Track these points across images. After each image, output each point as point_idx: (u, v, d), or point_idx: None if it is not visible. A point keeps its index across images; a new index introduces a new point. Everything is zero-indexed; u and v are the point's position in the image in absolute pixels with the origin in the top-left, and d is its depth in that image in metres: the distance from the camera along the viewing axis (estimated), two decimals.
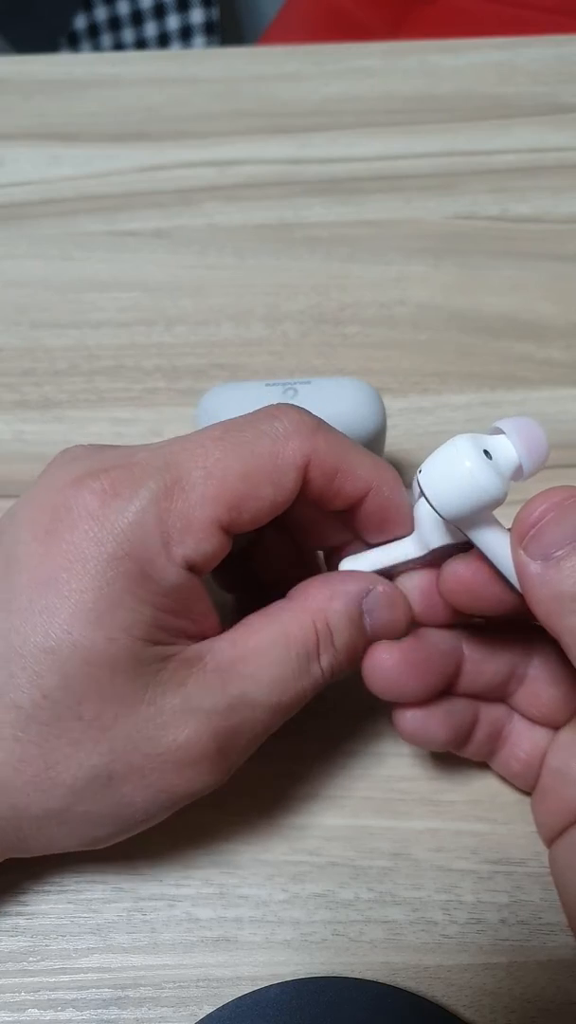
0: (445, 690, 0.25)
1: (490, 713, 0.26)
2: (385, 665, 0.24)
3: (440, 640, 0.25)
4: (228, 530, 0.22)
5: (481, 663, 0.25)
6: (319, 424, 0.23)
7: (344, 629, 0.23)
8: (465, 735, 0.26)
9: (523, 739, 0.26)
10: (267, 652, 0.23)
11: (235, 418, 0.23)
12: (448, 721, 0.25)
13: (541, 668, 0.26)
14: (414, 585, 0.25)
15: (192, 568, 0.22)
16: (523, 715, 0.26)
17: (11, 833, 0.23)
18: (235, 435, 0.23)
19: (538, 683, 0.26)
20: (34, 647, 0.21)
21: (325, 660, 0.23)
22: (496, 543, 0.22)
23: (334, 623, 0.23)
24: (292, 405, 0.24)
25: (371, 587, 0.24)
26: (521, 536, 0.21)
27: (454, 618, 0.25)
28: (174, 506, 0.22)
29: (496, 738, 0.27)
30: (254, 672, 0.22)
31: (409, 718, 0.25)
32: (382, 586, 0.24)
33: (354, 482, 0.23)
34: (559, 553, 0.21)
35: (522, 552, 0.21)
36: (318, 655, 0.23)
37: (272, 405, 0.24)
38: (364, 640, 0.24)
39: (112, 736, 0.22)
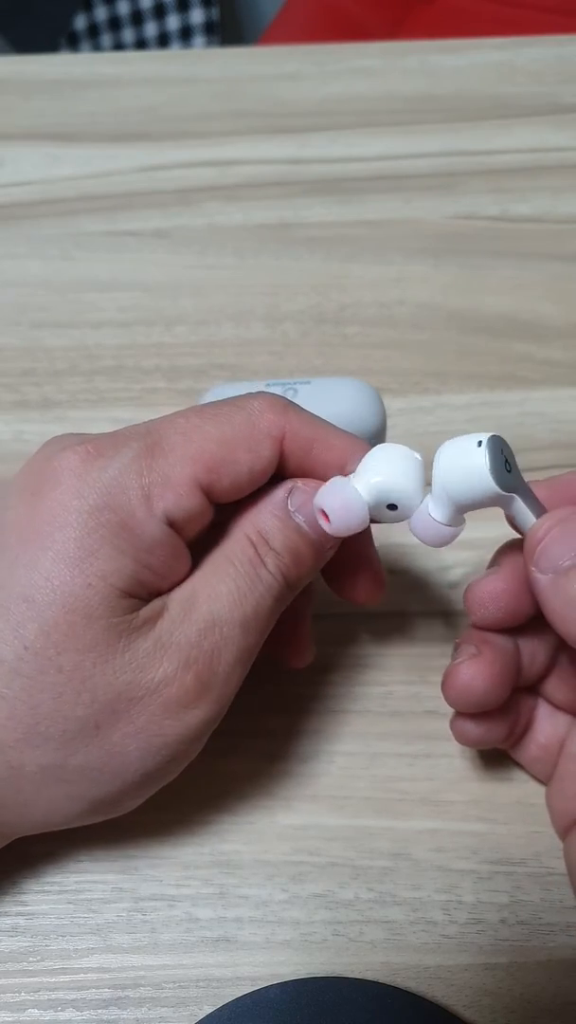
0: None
1: (524, 703, 0.27)
2: (475, 683, 0.25)
3: (507, 642, 0.26)
4: (209, 493, 0.23)
5: (532, 654, 0.26)
6: (290, 404, 0.24)
7: (276, 531, 0.24)
8: (514, 728, 0.27)
9: (544, 725, 0.27)
10: (217, 572, 0.23)
11: (213, 401, 0.24)
12: (508, 720, 0.26)
13: (569, 655, 0.26)
14: (487, 590, 0.25)
15: (173, 525, 0.23)
16: (548, 701, 0.27)
17: (12, 796, 0.23)
18: (213, 409, 0.24)
19: (566, 670, 0.26)
20: (16, 597, 0.22)
21: (270, 562, 0.24)
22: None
23: (264, 527, 0.24)
24: (265, 392, 0.25)
25: (291, 486, 0.25)
26: (531, 554, 0.23)
27: (523, 619, 0.25)
28: (155, 463, 0.23)
29: (528, 727, 0.27)
30: (211, 593, 0.23)
31: (473, 727, 0.26)
32: (302, 482, 0.25)
33: (331, 451, 0.24)
34: (566, 563, 0.22)
35: (533, 569, 0.22)
36: (261, 561, 0.24)
37: (247, 394, 0.25)
38: (303, 538, 0.24)
39: (92, 686, 0.22)
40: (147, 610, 0.23)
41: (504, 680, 0.25)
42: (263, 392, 0.25)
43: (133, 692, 0.22)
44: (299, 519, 0.24)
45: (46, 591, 0.22)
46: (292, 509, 0.24)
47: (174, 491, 0.22)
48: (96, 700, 0.22)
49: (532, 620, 0.26)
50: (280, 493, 0.24)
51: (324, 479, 0.25)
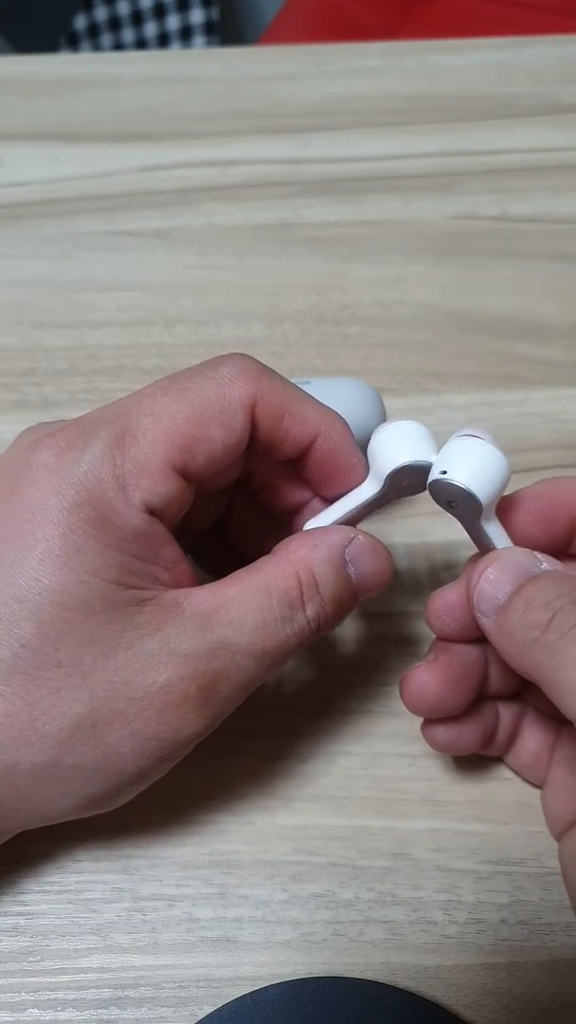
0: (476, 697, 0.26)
1: (508, 710, 0.27)
2: (428, 687, 0.25)
3: (468, 651, 0.26)
4: (184, 473, 0.23)
5: (503, 664, 0.26)
6: (264, 368, 0.24)
7: (330, 578, 0.23)
8: (491, 736, 0.27)
9: (534, 731, 0.27)
10: (249, 599, 0.23)
11: (184, 370, 0.24)
12: (478, 726, 0.26)
13: None
14: (442, 603, 0.25)
15: (153, 512, 0.22)
16: (535, 708, 0.27)
17: (6, 793, 0.23)
18: (182, 383, 0.23)
19: None
20: (7, 598, 0.22)
21: (311, 609, 0.23)
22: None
23: (319, 572, 0.23)
24: (238, 353, 0.24)
25: (352, 536, 0.24)
26: (472, 601, 0.23)
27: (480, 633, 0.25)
28: (127, 452, 0.22)
29: (514, 734, 0.27)
30: (234, 618, 0.22)
31: (442, 731, 0.26)
32: (363, 535, 0.24)
33: (302, 425, 0.24)
34: (502, 601, 0.22)
35: (478, 615, 0.23)
36: (303, 604, 0.23)
37: (219, 355, 0.24)
38: (350, 591, 0.24)
39: (92, 682, 0.22)
40: (154, 607, 0.22)
41: (461, 687, 0.25)
42: (236, 354, 0.24)
43: (132, 692, 0.22)
44: (351, 570, 0.24)
45: (37, 591, 0.22)
46: (350, 559, 0.24)
47: (149, 478, 0.22)
48: (95, 696, 0.22)
49: None
50: (339, 539, 0.24)
51: (292, 454, 0.24)
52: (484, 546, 0.24)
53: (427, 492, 0.24)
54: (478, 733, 0.26)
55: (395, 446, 0.24)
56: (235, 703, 0.23)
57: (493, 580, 0.23)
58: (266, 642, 0.23)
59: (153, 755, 0.23)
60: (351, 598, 0.24)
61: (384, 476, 0.24)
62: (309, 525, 0.25)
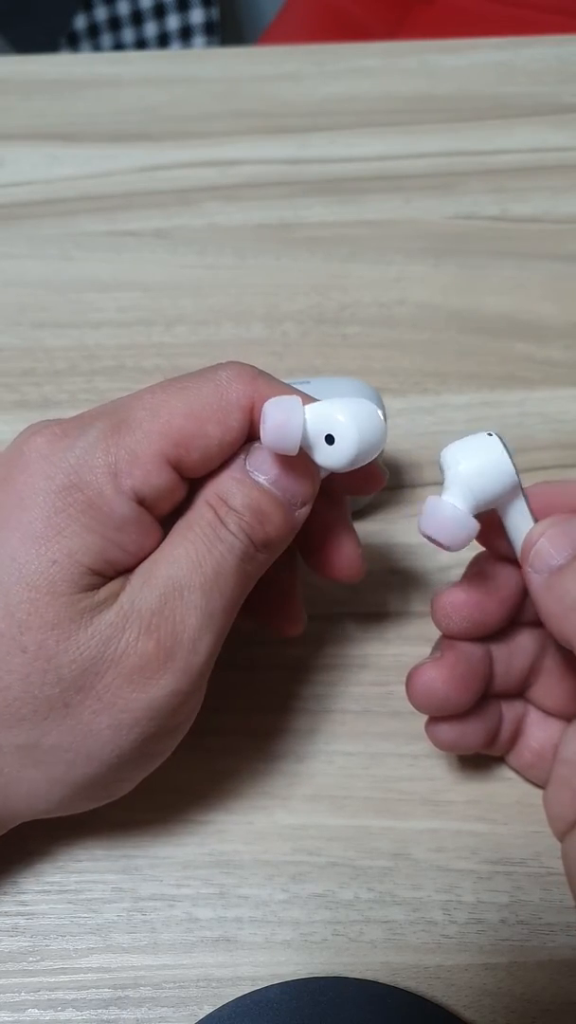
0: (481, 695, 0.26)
1: (511, 709, 0.27)
2: (434, 685, 0.25)
3: (474, 649, 0.26)
4: (178, 468, 0.23)
5: (508, 662, 0.26)
6: (261, 372, 0.24)
7: (235, 491, 0.23)
8: (495, 735, 0.27)
9: (536, 730, 0.27)
10: (178, 541, 0.23)
11: (182, 374, 0.24)
12: (483, 725, 0.26)
13: (555, 660, 0.26)
14: (450, 601, 0.25)
15: (143, 502, 0.23)
16: (538, 707, 0.27)
17: None
18: (181, 382, 0.24)
19: (553, 676, 0.26)
20: None
21: (231, 522, 0.23)
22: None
23: (222, 490, 0.23)
24: (235, 361, 0.24)
25: (248, 447, 0.24)
26: (526, 555, 0.23)
27: (490, 630, 0.26)
28: (121, 441, 0.22)
29: (517, 733, 0.27)
30: (170, 560, 0.23)
31: (447, 730, 0.26)
32: (256, 444, 0.24)
33: None
34: (558, 562, 0.23)
35: (529, 569, 0.23)
36: (221, 522, 0.23)
37: (217, 363, 0.24)
38: (264, 494, 0.24)
39: (58, 664, 0.22)
40: (111, 585, 0.23)
41: (467, 685, 0.25)
42: (232, 361, 0.24)
43: (98, 667, 0.22)
44: (259, 477, 0.24)
45: (10, 571, 0.22)
46: (250, 469, 0.24)
47: (142, 468, 0.22)
48: (62, 679, 0.22)
49: (506, 629, 0.26)
50: (238, 456, 0.24)
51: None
52: (517, 525, 0.24)
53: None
54: (482, 732, 0.26)
55: (368, 434, 0.23)
56: (204, 650, 0.23)
57: (555, 540, 0.23)
58: (204, 569, 0.23)
59: (132, 730, 0.23)
60: (272, 502, 0.24)
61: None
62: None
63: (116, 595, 0.23)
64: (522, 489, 0.24)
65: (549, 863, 0.27)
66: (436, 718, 0.26)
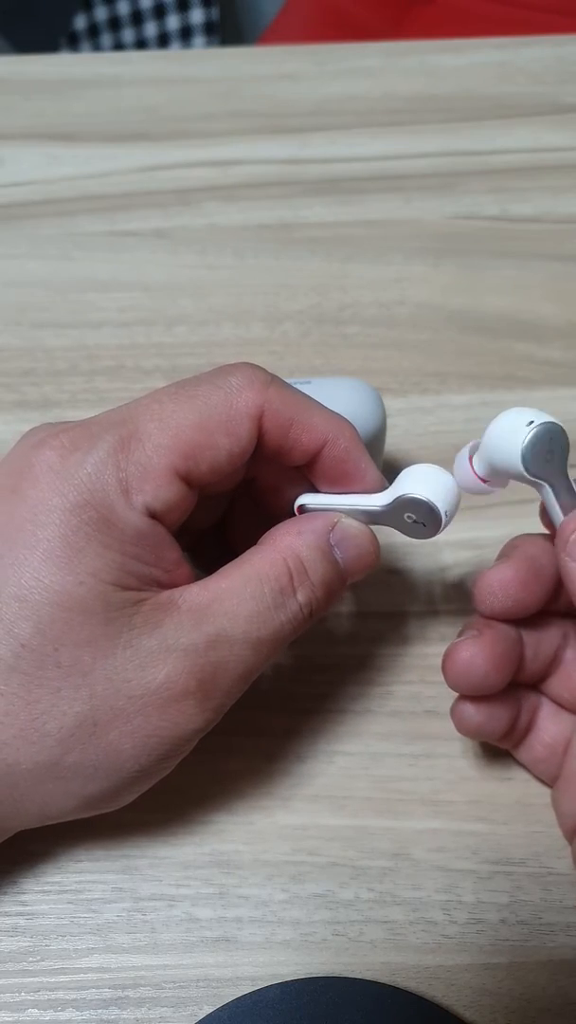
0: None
1: (526, 701, 0.27)
2: (475, 661, 0.25)
3: (510, 630, 0.26)
4: (187, 479, 0.23)
5: (536, 648, 0.26)
6: (272, 378, 0.24)
7: (317, 563, 0.24)
8: (515, 724, 0.27)
9: (549, 724, 0.27)
10: (240, 590, 0.23)
11: (191, 376, 0.24)
12: (507, 711, 0.26)
13: (575, 651, 0.26)
14: (498, 579, 0.25)
15: (154, 515, 0.23)
16: (553, 700, 0.27)
17: (7, 792, 0.23)
18: (189, 390, 0.23)
19: (572, 668, 0.26)
20: (8, 597, 0.22)
21: (302, 595, 0.23)
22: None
23: (306, 558, 0.24)
24: (246, 363, 0.24)
25: (336, 521, 0.24)
26: (564, 542, 0.23)
27: (529, 612, 0.25)
28: (131, 456, 0.22)
29: (530, 726, 0.27)
30: (229, 610, 0.23)
31: (473, 713, 0.26)
32: (346, 519, 0.25)
33: (310, 433, 0.24)
34: None
35: (565, 557, 0.23)
36: (293, 590, 0.23)
37: (227, 364, 0.24)
38: (338, 574, 0.24)
39: (92, 681, 0.22)
40: (151, 606, 0.23)
41: (504, 664, 0.25)
42: (244, 364, 0.24)
43: (132, 690, 0.22)
44: (338, 555, 0.24)
45: (38, 590, 0.22)
46: (334, 543, 0.24)
47: (152, 482, 0.22)
48: (95, 695, 0.22)
49: (537, 615, 0.26)
50: (323, 524, 0.24)
51: (301, 461, 0.24)
52: (559, 513, 0.24)
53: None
54: (506, 718, 0.26)
55: (424, 478, 0.24)
56: (236, 695, 0.24)
57: None
58: (261, 630, 0.23)
59: (154, 752, 0.23)
60: (339, 582, 0.24)
61: (393, 497, 0.24)
62: (301, 501, 0.26)
63: (159, 620, 0.22)
64: (560, 483, 0.24)
65: (549, 863, 0.27)
66: (463, 700, 0.26)
